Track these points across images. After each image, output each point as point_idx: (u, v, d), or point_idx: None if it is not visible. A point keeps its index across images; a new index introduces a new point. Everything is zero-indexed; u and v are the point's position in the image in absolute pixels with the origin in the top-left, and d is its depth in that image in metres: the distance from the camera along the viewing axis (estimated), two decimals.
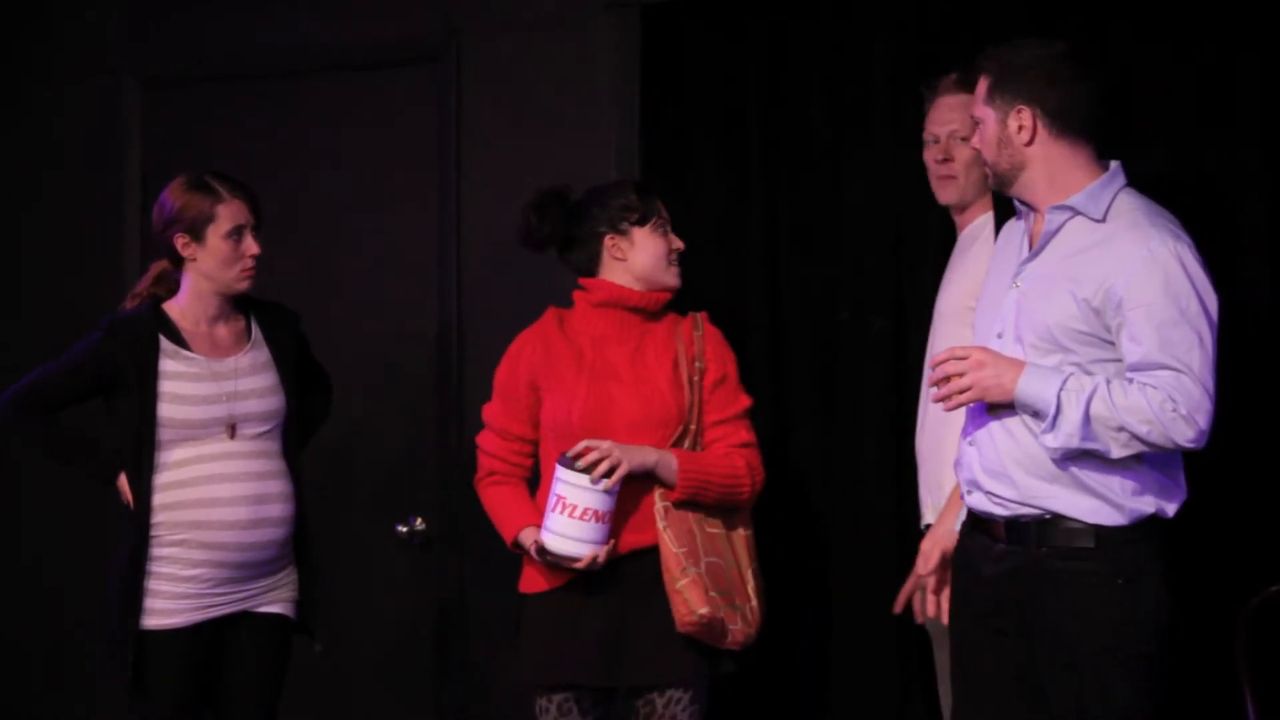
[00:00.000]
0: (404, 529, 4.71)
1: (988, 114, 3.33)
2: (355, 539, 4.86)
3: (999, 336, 3.34)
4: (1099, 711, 3.25)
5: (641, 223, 3.84)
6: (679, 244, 3.88)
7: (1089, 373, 3.24)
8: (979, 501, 3.37)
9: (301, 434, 4.10)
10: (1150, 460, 3.26)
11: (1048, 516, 3.28)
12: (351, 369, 4.74)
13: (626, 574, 3.72)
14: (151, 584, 3.84)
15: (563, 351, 3.83)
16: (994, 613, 3.35)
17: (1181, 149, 3.92)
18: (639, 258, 3.83)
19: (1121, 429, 3.18)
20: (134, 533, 3.85)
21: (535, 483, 3.88)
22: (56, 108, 5.32)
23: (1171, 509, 3.29)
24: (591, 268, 3.87)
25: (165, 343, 3.90)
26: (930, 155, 3.84)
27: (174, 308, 3.96)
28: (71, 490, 4.74)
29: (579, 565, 3.64)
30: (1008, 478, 3.30)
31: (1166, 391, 3.17)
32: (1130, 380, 3.21)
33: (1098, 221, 3.29)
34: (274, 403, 3.97)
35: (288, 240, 4.82)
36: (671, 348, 3.83)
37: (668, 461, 3.71)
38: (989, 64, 3.35)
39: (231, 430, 3.89)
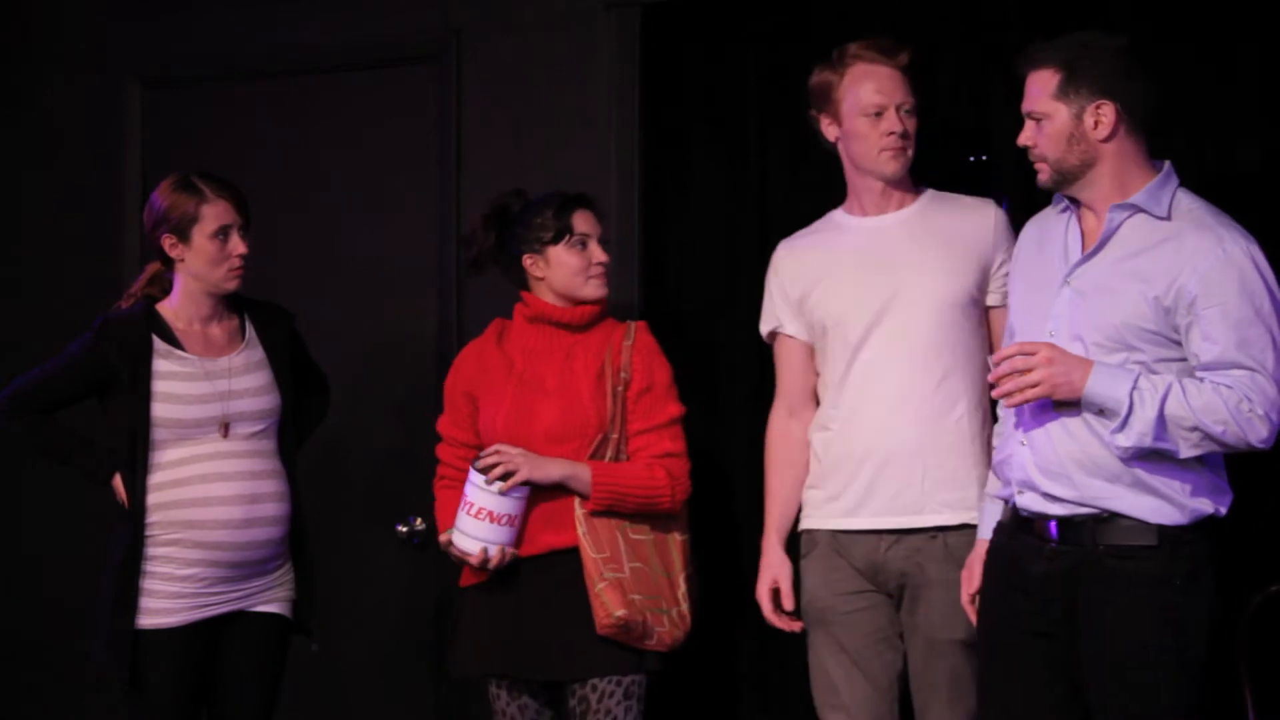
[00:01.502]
0: (404, 529, 4.72)
1: (1058, 109, 3.30)
2: (354, 539, 4.87)
3: (1050, 335, 3.32)
4: (1146, 712, 3.26)
5: (555, 241, 3.93)
6: (600, 256, 3.95)
7: (1154, 371, 3.25)
8: (1031, 502, 3.36)
9: (298, 434, 4.13)
10: (1208, 460, 3.28)
11: (1105, 515, 3.28)
12: (351, 369, 4.77)
13: (551, 572, 3.83)
14: (147, 583, 3.87)
15: (496, 363, 3.97)
16: (1038, 613, 3.34)
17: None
18: (555, 275, 3.94)
19: (1195, 429, 3.20)
20: (129, 532, 3.88)
21: None
22: (57, 107, 5.32)
23: (1224, 508, 3.31)
24: (523, 283, 3.99)
25: (158, 343, 3.93)
26: (882, 128, 3.72)
27: (167, 308, 3.99)
28: (69, 489, 4.73)
29: (472, 561, 3.81)
30: (1066, 478, 3.30)
31: (1243, 391, 3.18)
32: (1202, 379, 3.21)
33: (1161, 219, 3.29)
34: (268, 402, 4.00)
35: (287, 239, 4.86)
36: (600, 358, 3.92)
37: (580, 474, 3.82)
38: (1050, 57, 3.32)
39: (225, 429, 3.92)
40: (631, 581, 3.79)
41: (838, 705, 3.78)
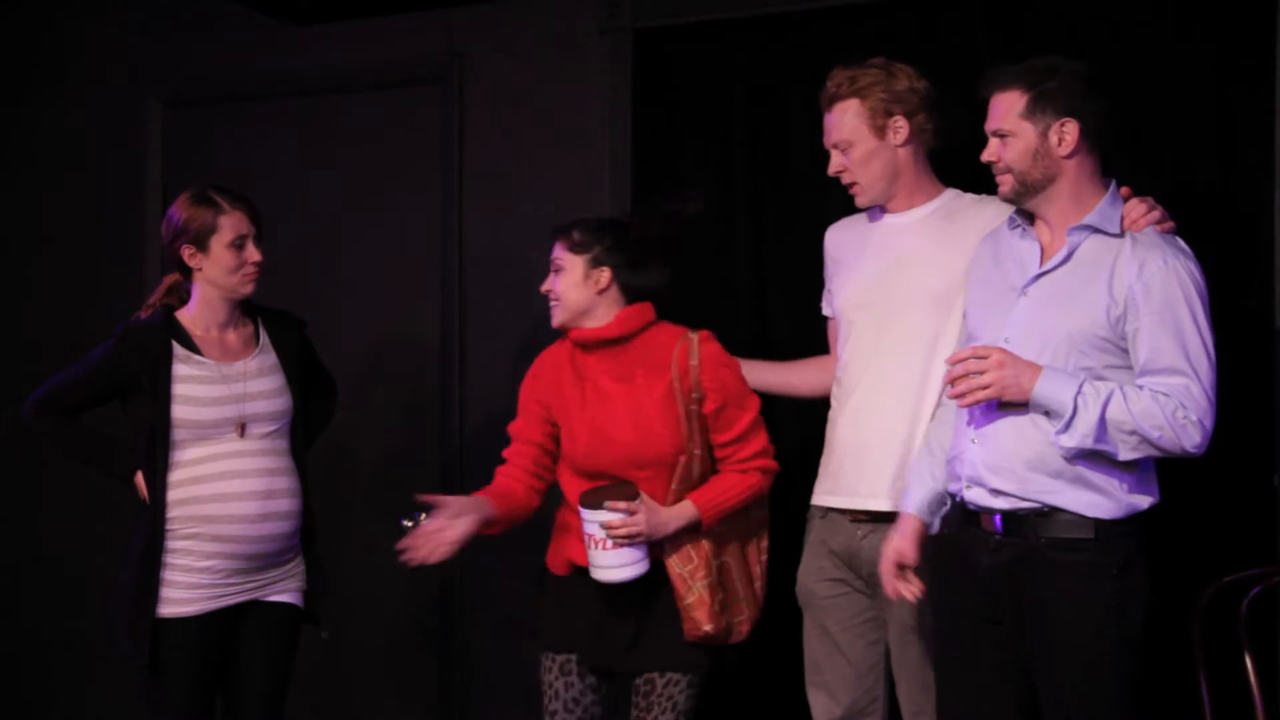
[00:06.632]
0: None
1: (1025, 127, 3.44)
2: (361, 533, 4.92)
3: (1006, 341, 3.44)
4: (1091, 696, 3.38)
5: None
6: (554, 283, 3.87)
7: (1102, 378, 3.37)
8: (978, 496, 3.47)
9: (308, 434, 4.18)
10: (1142, 460, 3.40)
11: (1046, 510, 3.41)
12: (359, 372, 4.86)
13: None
14: (167, 574, 3.93)
15: (570, 383, 3.89)
16: (987, 602, 3.46)
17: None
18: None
19: (1134, 432, 3.32)
20: (150, 526, 3.94)
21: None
22: (82, 123, 5.39)
23: (1150, 502, 3.43)
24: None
25: (178, 348, 3.97)
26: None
27: (186, 315, 4.04)
28: (82, 488, 4.82)
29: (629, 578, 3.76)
30: (1013, 474, 3.42)
31: (1178, 398, 3.31)
32: (1141, 386, 3.34)
33: (1113, 236, 3.42)
34: (281, 403, 4.05)
35: (300, 249, 4.94)
36: (664, 377, 3.80)
37: (683, 512, 3.77)
38: (1017, 79, 3.46)
39: (241, 430, 3.98)
40: (719, 577, 3.79)
41: (819, 682, 3.91)
